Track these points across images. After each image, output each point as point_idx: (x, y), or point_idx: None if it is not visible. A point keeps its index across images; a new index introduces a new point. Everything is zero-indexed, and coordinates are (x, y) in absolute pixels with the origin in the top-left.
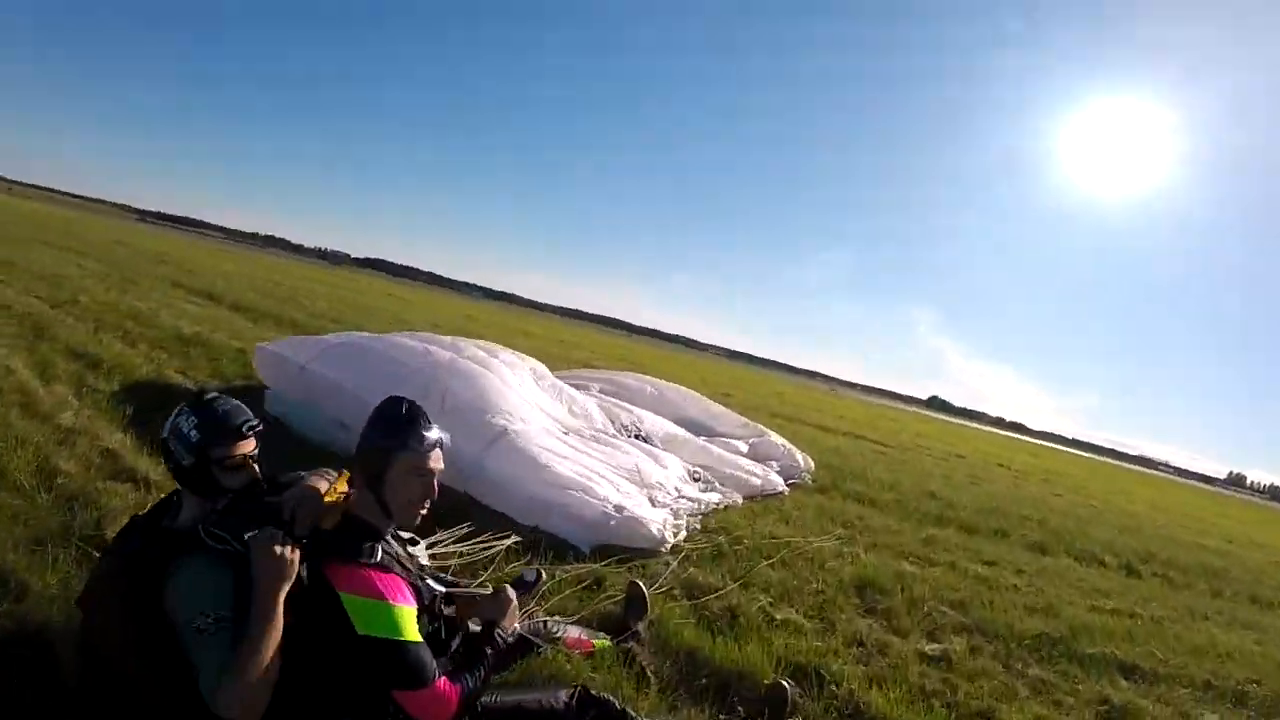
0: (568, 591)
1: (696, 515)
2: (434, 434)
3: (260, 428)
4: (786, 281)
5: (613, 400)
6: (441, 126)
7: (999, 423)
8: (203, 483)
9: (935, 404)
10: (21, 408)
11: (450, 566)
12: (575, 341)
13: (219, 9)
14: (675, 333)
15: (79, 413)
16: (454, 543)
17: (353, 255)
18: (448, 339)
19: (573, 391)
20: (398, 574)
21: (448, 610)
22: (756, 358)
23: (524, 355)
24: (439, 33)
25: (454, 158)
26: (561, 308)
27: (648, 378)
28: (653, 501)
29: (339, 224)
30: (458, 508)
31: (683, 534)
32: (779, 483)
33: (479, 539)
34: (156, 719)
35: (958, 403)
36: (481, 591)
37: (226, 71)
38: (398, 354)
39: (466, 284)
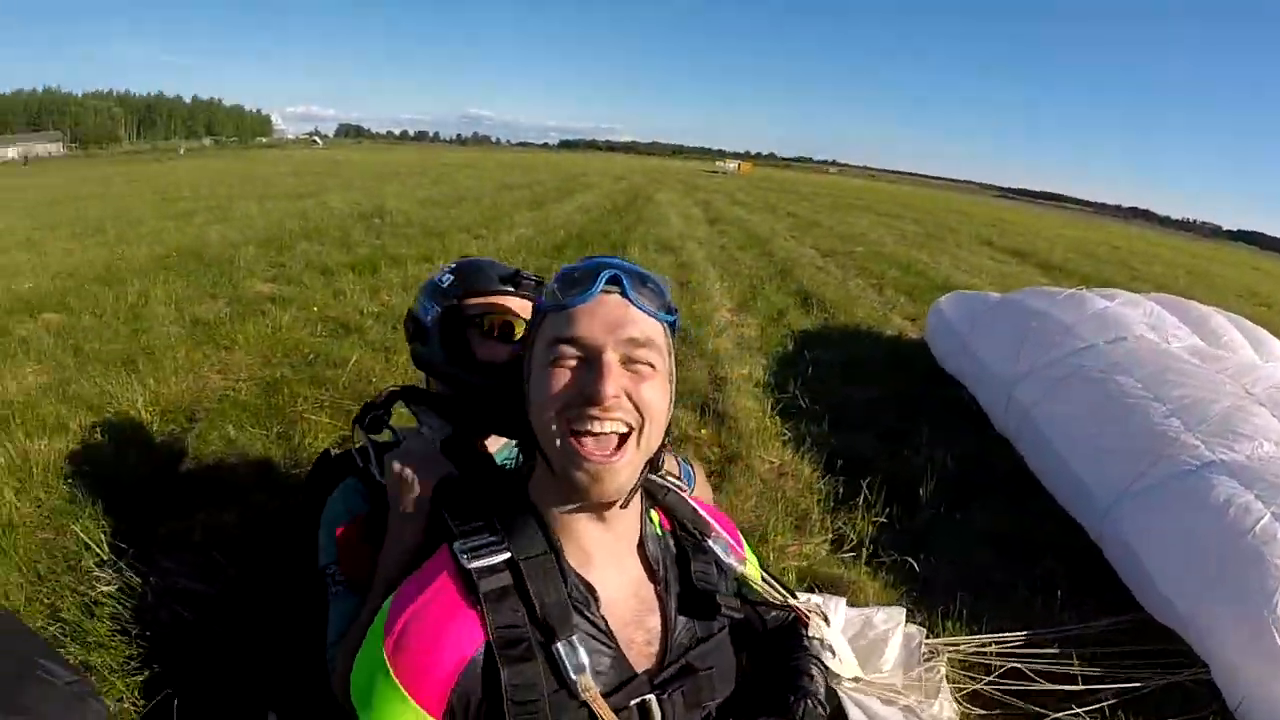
0: None
1: None
2: (600, 272)
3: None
4: None
5: None
6: None
7: None
8: (449, 351)
9: None
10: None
11: None
12: None
13: None
14: None
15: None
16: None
17: (1223, 227)
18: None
19: None
20: (488, 624)
21: None
22: None
23: None
24: None
25: None
26: None
27: None
28: None
29: (1210, 197)
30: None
31: None
32: None
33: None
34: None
35: None
36: None
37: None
38: (1046, 306)
39: None
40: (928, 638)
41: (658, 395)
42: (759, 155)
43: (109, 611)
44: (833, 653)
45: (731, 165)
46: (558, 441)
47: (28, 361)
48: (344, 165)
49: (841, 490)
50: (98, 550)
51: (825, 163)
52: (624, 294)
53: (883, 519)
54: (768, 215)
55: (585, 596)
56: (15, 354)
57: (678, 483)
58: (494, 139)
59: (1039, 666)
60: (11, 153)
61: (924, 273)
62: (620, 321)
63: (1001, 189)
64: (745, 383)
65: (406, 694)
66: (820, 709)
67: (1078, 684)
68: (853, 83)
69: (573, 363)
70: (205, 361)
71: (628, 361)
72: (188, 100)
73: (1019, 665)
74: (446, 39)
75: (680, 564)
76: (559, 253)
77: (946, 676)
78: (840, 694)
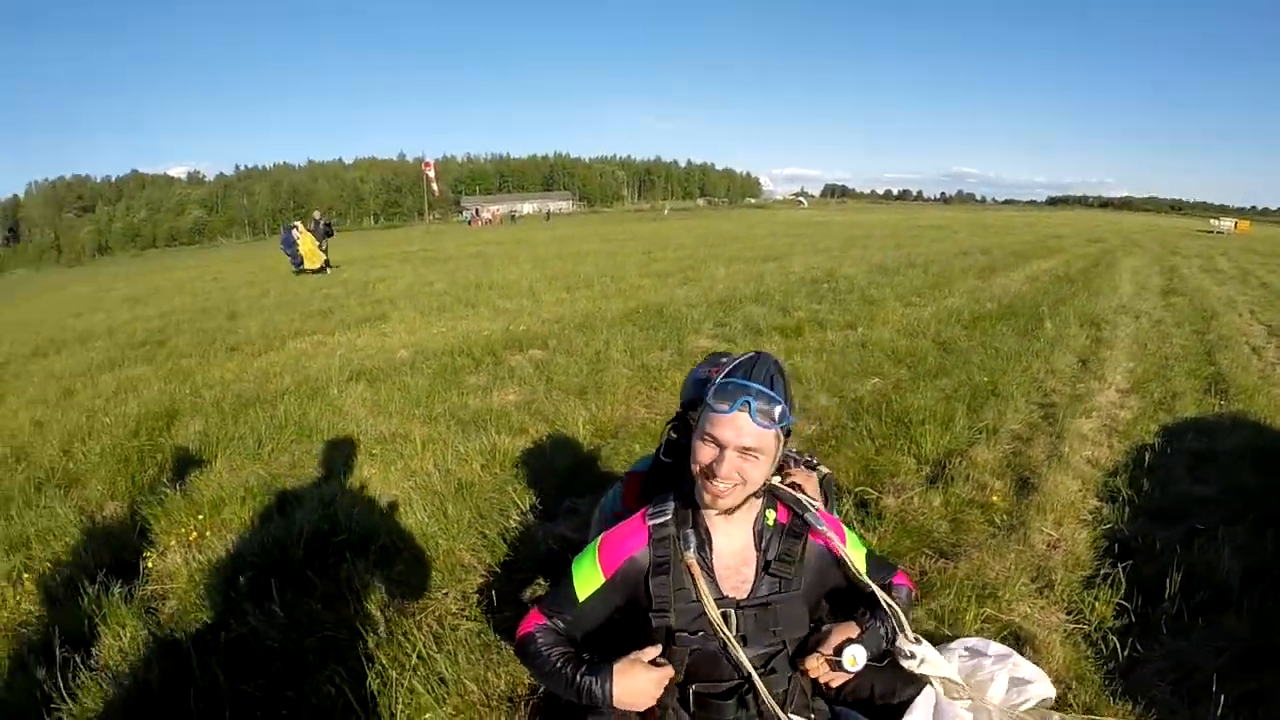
0: None
1: None
2: (739, 398)
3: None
4: None
5: None
6: None
7: None
8: (682, 425)
9: None
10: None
11: None
12: None
13: None
14: None
15: None
16: None
17: None
18: None
19: None
20: (642, 555)
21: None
22: None
23: None
24: None
25: None
26: None
27: None
28: None
29: None
30: None
31: None
32: None
33: None
34: None
35: None
36: None
37: None
38: None
39: None
40: (1054, 705)
41: (757, 472)
42: (1266, 212)
43: (511, 538)
44: (908, 635)
45: (1227, 224)
46: (698, 480)
47: (511, 384)
48: (821, 228)
49: (1105, 571)
50: (519, 504)
51: None
52: (750, 414)
53: (1122, 602)
54: (1236, 285)
55: (703, 541)
56: (504, 378)
57: (794, 493)
58: (978, 196)
59: None
60: (528, 208)
61: None
62: (742, 433)
63: None
64: (1081, 463)
65: (597, 560)
66: (881, 631)
67: None
68: None
69: (711, 446)
70: (638, 398)
71: (742, 453)
72: (682, 164)
73: None
74: (930, 99)
75: (779, 543)
76: (974, 324)
77: None
78: (928, 680)
